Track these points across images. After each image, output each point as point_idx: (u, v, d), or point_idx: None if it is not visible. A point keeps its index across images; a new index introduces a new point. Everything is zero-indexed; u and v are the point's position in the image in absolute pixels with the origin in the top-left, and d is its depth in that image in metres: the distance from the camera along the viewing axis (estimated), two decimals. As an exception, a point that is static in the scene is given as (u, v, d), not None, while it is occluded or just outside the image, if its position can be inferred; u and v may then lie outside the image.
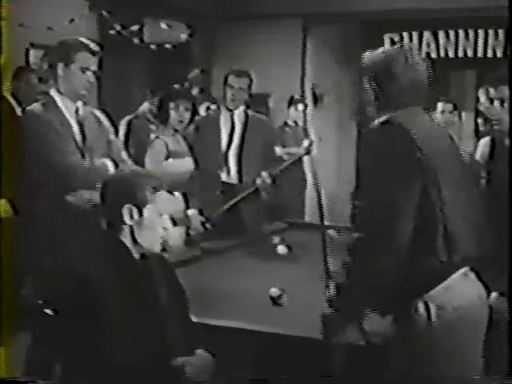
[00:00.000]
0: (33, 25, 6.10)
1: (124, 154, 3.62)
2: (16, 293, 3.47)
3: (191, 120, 4.79)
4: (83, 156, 3.43)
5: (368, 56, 2.51)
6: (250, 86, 4.71)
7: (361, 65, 2.51)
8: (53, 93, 3.46)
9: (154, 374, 2.32)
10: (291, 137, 7.41)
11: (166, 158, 4.72)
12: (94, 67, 3.45)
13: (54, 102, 3.44)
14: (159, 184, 2.46)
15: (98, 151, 3.50)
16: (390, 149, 2.34)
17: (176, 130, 4.72)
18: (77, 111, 3.47)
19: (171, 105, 4.80)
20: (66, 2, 6.93)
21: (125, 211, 2.40)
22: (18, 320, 2.88)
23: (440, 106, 5.87)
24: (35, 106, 3.48)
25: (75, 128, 3.45)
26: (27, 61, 6.71)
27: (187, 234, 2.34)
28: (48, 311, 2.26)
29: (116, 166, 3.42)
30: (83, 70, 3.41)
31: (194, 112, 5.01)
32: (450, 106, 5.94)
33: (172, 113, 4.80)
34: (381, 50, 2.51)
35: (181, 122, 4.74)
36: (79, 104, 3.48)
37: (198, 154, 4.65)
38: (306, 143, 7.24)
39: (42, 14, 6.41)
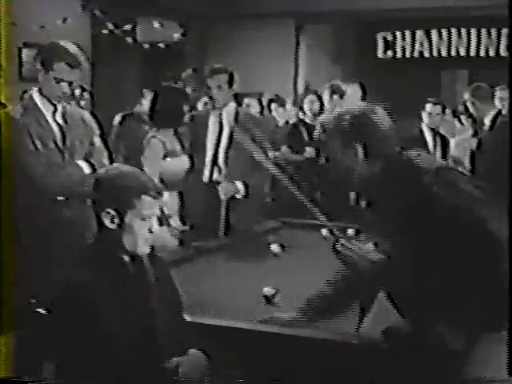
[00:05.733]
0: (25, 24, 6.08)
1: (105, 159, 3.62)
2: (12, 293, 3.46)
3: (190, 120, 4.80)
4: (63, 156, 3.43)
5: None
6: (230, 82, 4.61)
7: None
8: (34, 93, 3.47)
9: (148, 375, 2.32)
10: (297, 138, 6.92)
11: (164, 157, 4.71)
12: (69, 78, 3.43)
13: (34, 103, 3.45)
14: (148, 185, 2.40)
15: (80, 152, 3.51)
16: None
17: (176, 131, 4.73)
18: (55, 111, 3.47)
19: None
20: (59, 1, 6.92)
21: (104, 216, 2.39)
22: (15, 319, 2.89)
23: (428, 107, 5.89)
24: (14, 108, 3.46)
25: (55, 128, 3.46)
26: (20, 60, 6.70)
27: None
28: (41, 310, 2.25)
29: (93, 168, 3.42)
30: (58, 80, 3.41)
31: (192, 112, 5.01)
32: (438, 108, 5.94)
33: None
34: None
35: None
36: (59, 104, 3.49)
37: (191, 153, 4.63)
38: (309, 151, 6.72)
39: (35, 13, 6.40)
